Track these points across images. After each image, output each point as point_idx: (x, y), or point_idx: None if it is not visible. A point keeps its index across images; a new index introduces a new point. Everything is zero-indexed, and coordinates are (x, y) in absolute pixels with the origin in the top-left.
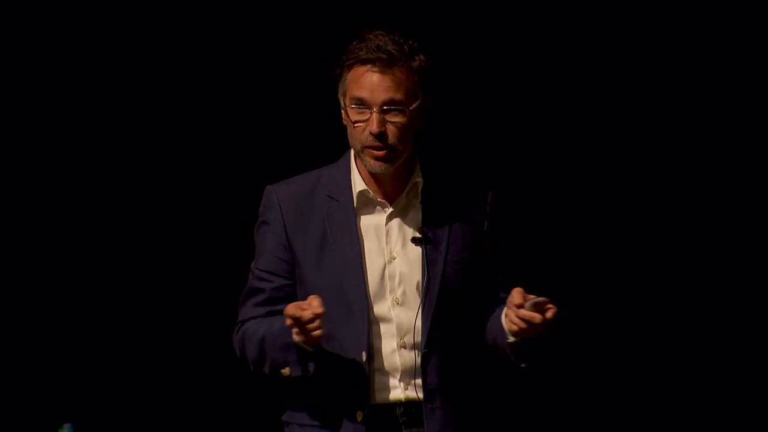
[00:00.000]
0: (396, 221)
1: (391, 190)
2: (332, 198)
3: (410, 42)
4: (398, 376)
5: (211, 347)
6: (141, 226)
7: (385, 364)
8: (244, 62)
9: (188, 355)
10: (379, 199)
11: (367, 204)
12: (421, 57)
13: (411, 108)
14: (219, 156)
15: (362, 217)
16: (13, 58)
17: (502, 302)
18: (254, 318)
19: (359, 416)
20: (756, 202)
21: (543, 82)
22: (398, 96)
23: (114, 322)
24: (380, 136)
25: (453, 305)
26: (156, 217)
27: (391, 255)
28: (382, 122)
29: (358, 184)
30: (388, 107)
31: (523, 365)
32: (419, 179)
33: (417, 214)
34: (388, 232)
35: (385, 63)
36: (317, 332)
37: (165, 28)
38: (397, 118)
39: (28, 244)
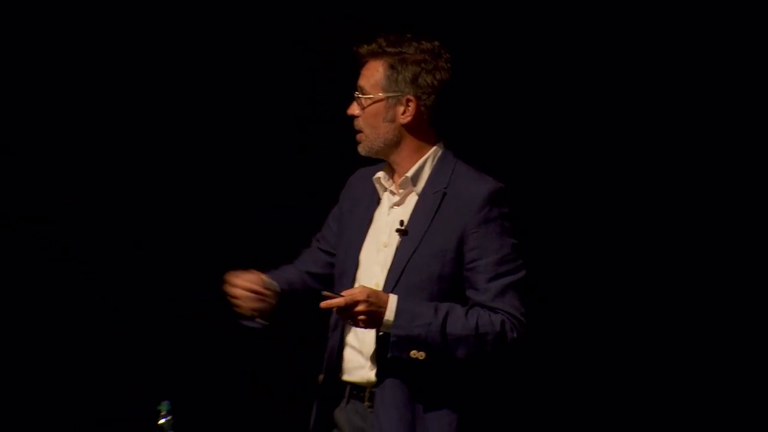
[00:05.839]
0: (396, 210)
1: (398, 181)
2: (370, 183)
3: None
4: (369, 357)
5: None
6: (138, 227)
7: (360, 344)
8: (240, 67)
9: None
10: (390, 188)
11: (383, 192)
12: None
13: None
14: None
15: (380, 204)
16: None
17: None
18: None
19: (320, 378)
20: (756, 202)
21: (544, 84)
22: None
23: (112, 321)
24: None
25: (414, 291)
26: (153, 218)
27: (384, 243)
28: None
29: (379, 172)
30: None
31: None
32: (408, 174)
33: (411, 206)
34: (388, 220)
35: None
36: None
37: (160, 31)
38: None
39: (27, 249)
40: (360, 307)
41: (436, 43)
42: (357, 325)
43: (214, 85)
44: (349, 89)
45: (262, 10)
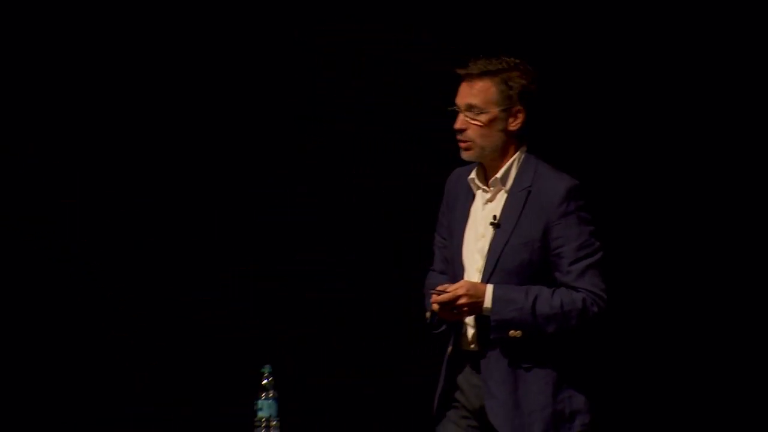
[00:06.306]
0: (489, 206)
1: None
2: (465, 181)
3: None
4: (479, 333)
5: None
6: (138, 227)
7: (473, 323)
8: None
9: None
10: (483, 186)
11: (477, 189)
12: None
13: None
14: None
15: (475, 200)
16: None
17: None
18: (434, 270)
19: (449, 350)
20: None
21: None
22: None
23: (112, 321)
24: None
25: (508, 275)
26: (153, 218)
27: (481, 234)
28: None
29: (473, 173)
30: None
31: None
32: (498, 175)
33: (502, 203)
34: (483, 214)
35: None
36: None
37: (160, 32)
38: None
39: (27, 249)
40: (462, 300)
41: (519, 60)
42: (461, 315)
43: (215, 85)
44: (348, 89)
45: (262, 10)
